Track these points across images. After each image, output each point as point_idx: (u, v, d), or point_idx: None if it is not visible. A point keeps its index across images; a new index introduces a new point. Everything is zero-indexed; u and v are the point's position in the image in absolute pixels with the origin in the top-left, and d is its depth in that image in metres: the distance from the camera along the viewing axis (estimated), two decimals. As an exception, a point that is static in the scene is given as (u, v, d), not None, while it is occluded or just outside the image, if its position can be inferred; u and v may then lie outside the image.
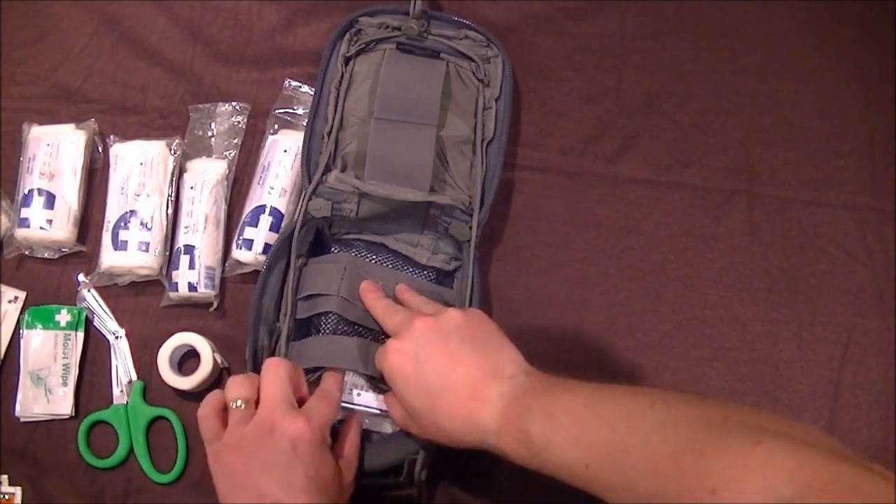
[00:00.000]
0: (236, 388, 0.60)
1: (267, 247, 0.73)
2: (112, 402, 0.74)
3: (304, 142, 0.73)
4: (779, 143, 0.80)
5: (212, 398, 0.61)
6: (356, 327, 0.69)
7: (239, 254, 0.74)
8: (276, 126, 0.79)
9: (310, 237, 0.73)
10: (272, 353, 0.69)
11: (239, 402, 0.59)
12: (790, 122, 0.81)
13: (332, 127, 0.73)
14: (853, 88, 0.82)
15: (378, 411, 0.68)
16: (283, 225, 0.74)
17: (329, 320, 0.70)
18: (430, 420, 0.58)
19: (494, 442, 0.56)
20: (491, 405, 0.56)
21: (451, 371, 0.58)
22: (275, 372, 0.60)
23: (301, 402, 0.61)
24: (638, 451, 0.48)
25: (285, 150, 0.76)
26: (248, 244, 0.74)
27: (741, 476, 0.43)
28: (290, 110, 0.80)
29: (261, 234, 0.74)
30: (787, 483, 0.41)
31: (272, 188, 0.75)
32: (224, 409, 0.60)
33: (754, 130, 0.80)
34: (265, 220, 0.74)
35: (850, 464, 0.41)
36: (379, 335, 0.68)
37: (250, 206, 0.75)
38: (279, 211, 0.75)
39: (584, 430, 0.52)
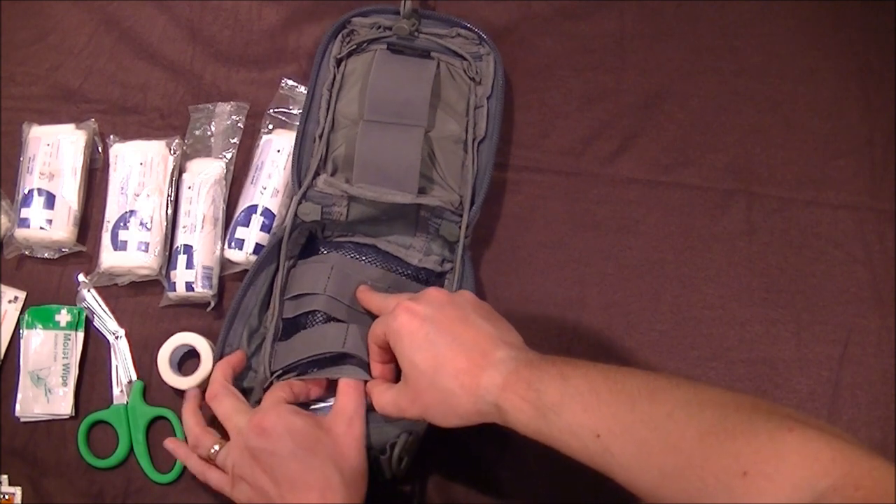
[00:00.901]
0: (202, 442, 0.64)
1: (258, 246, 0.74)
2: (112, 402, 0.74)
3: (295, 145, 0.73)
4: (778, 143, 0.80)
5: (194, 463, 0.65)
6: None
7: (230, 253, 0.74)
8: (271, 126, 0.80)
9: (301, 240, 0.73)
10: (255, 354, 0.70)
11: (214, 448, 0.63)
12: (790, 122, 0.81)
13: (323, 129, 0.73)
14: (853, 88, 0.81)
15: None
16: (274, 225, 0.74)
17: (316, 319, 0.70)
18: (428, 382, 0.56)
19: (495, 399, 0.54)
20: (499, 363, 0.55)
21: (462, 333, 0.57)
22: (218, 393, 0.64)
23: None
24: (659, 426, 0.47)
25: (278, 150, 0.77)
26: (240, 244, 0.74)
27: (774, 460, 0.41)
28: (286, 110, 0.80)
29: (252, 234, 0.74)
30: (823, 474, 0.40)
31: (264, 188, 0.75)
32: (209, 459, 0.64)
33: (754, 130, 0.80)
34: (256, 220, 0.74)
35: (883, 460, 0.40)
36: (365, 329, 0.68)
37: (243, 205, 0.76)
38: (271, 211, 0.75)
39: (601, 398, 0.50)
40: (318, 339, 0.68)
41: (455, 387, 0.55)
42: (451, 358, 0.56)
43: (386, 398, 0.61)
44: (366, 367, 0.67)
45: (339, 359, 0.68)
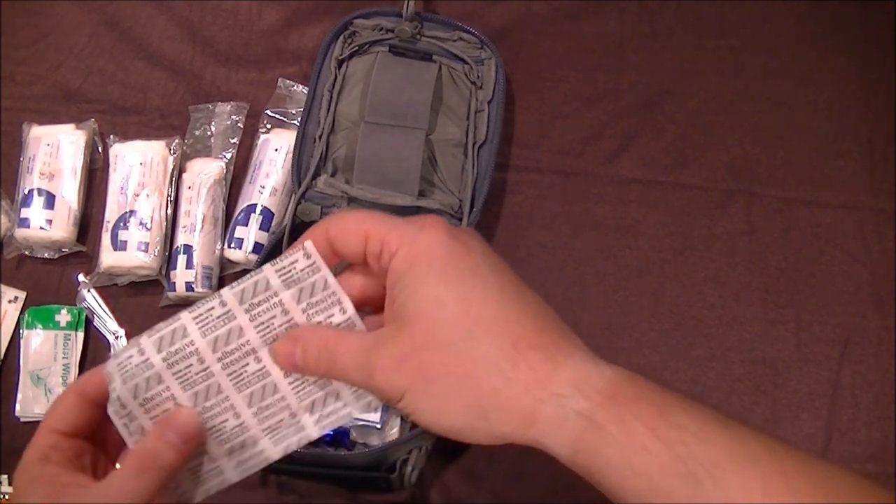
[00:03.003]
0: None
1: (257, 245, 0.74)
2: (112, 402, 0.74)
3: (295, 145, 0.73)
4: (778, 143, 0.80)
5: None
6: None
7: (230, 253, 0.74)
8: (269, 125, 0.80)
9: None
10: None
11: None
12: (790, 122, 0.81)
13: (322, 130, 0.74)
14: (853, 88, 0.81)
15: (366, 422, 0.67)
16: (273, 224, 0.75)
17: None
18: (453, 335, 0.35)
19: (591, 409, 0.35)
20: (591, 358, 0.37)
21: (521, 286, 0.38)
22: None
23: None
24: None
25: (276, 149, 0.77)
26: (239, 243, 0.74)
27: None
28: (283, 110, 0.80)
29: (251, 233, 0.74)
30: None
31: (263, 187, 0.76)
32: None
33: (754, 130, 0.80)
34: (255, 220, 0.75)
35: None
36: None
37: (242, 204, 0.76)
38: (269, 210, 0.75)
39: (790, 483, 0.34)
40: None
41: (502, 358, 0.34)
42: (510, 314, 0.35)
43: (349, 345, 0.38)
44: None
45: None
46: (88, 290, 0.76)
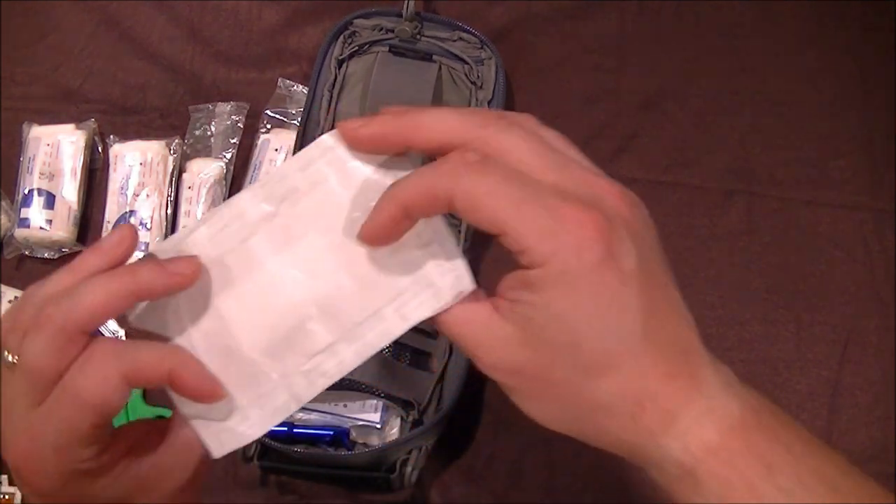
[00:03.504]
0: None
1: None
2: (112, 402, 0.74)
3: (295, 145, 0.74)
4: (778, 143, 0.80)
5: None
6: None
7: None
8: (269, 125, 0.80)
9: None
10: None
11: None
12: (790, 122, 0.81)
13: (322, 130, 0.74)
14: (853, 88, 0.81)
15: (366, 423, 0.67)
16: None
17: None
18: (573, 377, 0.33)
19: (693, 461, 0.33)
20: (712, 395, 0.34)
21: (663, 314, 0.36)
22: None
23: None
24: None
25: (276, 149, 0.77)
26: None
27: None
28: (283, 110, 0.80)
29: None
30: None
31: (262, 187, 0.76)
32: None
33: (754, 130, 0.80)
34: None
35: None
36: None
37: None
38: (269, 210, 0.75)
39: None
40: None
41: (619, 407, 0.33)
42: (636, 363, 0.33)
43: (479, 322, 0.35)
44: (375, 396, 0.65)
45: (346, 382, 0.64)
46: (88, 290, 0.76)
